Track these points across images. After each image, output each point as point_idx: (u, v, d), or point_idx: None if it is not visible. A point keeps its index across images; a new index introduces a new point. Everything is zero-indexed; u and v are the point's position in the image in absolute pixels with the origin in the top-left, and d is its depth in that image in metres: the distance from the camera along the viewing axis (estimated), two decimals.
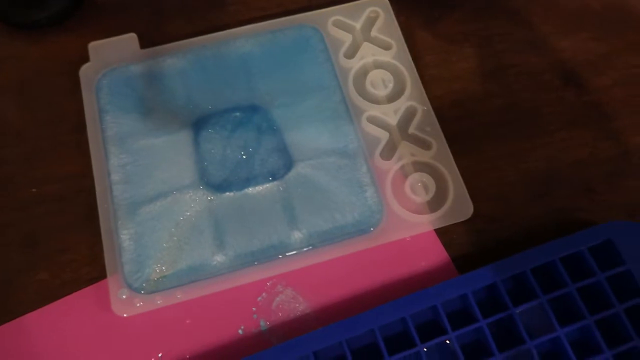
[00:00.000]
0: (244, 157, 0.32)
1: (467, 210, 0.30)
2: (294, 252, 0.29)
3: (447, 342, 0.27)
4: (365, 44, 0.34)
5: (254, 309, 0.29)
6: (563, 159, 0.33)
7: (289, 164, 0.31)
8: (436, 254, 0.30)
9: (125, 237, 0.29)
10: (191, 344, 0.28)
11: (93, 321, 0.28)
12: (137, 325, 0.28)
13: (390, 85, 0.33)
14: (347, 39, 0.35)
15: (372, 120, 0.33)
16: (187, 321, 0.28)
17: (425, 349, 0.26)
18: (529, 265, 0.28)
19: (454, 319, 0.27)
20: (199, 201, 0.30)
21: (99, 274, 0.29)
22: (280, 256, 0.29)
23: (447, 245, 0.30)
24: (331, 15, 0.35)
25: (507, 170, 0.32)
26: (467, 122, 0.33)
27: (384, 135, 0.32)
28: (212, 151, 0.32)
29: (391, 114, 0.33)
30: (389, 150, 0.32)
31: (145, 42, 0.34)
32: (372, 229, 0.30)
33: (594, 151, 0.33)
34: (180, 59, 0.33)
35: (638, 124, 0.33)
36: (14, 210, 0.31)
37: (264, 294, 0.29)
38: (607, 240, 0.29)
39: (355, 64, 0.34)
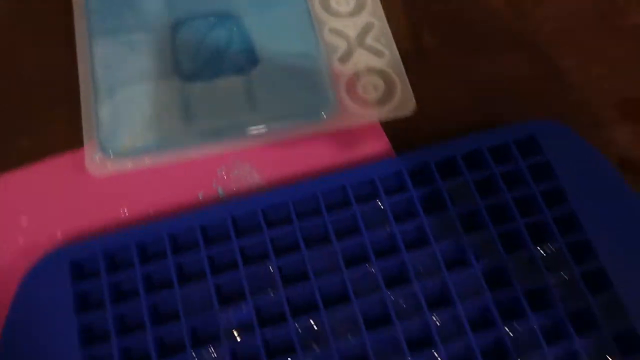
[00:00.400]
0: (216, 54, 0.35)
1: (411, 107, 0.34)
2: (254, 132, 0.32)
3: (381, 207, 0.30)
4: None
5: (213, 179, 0.32)
6: (504, 74, 0.36)
7: (255, 61, 0.34)
8: (380, 143, 0.33)
9: (103, 112, 0.32)
10: (154, 203, 0.31)
11: (69, 181, 0.31)
12: (107, 185, 0.31)
13: (352, 3, 0.37)
14: None
15: (334, 31, 0.36)
16: (153, 184, 0.31)
17: (360, 211, 0.30)
18: (459, 151, 0.32)
19: (390, 191, 0.31)
20: (172, 87, 0.33)
21: (77, 143, 0.32)
22: (240, 135, 0.32)
23: (390, 136, 0.34)
24: None
25: (452, 81, 0.36)
26: (420, 39, 0.37)
27: (342, 44, 0.36)
28: (187, 47, 0.35)
29: (351, 26, 0.36)
30: (346, 57, 0.35)
31: None
32: (324, 117, 0.33)
33: (531, 71, 0.37)
34: None
35: (568, 50, 0.37)
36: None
37: (223, 167, 0.32)
38: (531, 137, 0.32)
39: None
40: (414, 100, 0.34)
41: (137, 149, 0.32)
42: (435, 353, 0.27)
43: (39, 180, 0.32)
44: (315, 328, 0.27)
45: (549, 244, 0.29)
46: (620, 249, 0.29)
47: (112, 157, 0.31)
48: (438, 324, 0.27)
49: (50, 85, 0.34)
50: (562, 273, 0.29)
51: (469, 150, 0.32)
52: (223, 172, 0.32)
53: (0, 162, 0.32)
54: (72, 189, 0.31)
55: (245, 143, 0.33)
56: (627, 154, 0.34)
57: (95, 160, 0.31)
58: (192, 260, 0.28)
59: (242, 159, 0.33)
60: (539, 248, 0.29)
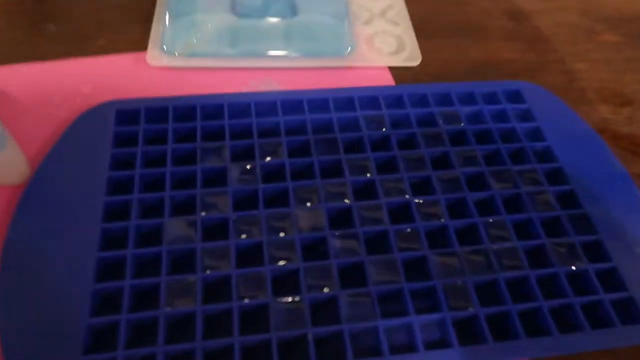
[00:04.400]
0: (265, 3, 0.40)
1: (417, 59, 0.37)
2: (285, 58, 0.36)
3: (381, 116, 0.32)
4: None
5: (244, 87, 0.35)
6: (499, 55, 0.40)
7: (295, 13, 0.39)
8: (388, 84, 0.36)
9: (169, 28, 0.37)
10: (194, 90, 0.34)
11: (130, 68, 0.35)
12: (160, 75, 0.35)
13: None
14: None
15: (360, 5, 0.41)
16: (195, 81, 0.35)
17: (362, 115, 0.32)
18: (454, 90, 0.34)
19: (390, 106, 0.33)
20: (227, 19, 0.38)
21: (143, 48, 0.37)
22: (274, 60, 0.36)
23: (396, 80, 0.37)
24: None
25: (454, 54, 0.39)
26: (431, 22, 0.41)
27: (366, 14, 0.40)
28: None
29: (375, 4, 0.41)
30: (368, 22, 0.40)
31: None
32: (345, 55, 0.37)
33: (522, 56, 0.40)
34: None
35: (557, 47, 0.41)
36: None
37: (254, 80, 0.36)
38: (517, 91, 0.35)
39: None
40: (420, 56, 0.37)
41: (189, 54, 0.35)
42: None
43: (106, 64, 0.35)
44: (311, 186, 0.29)
45: (526, 165, 0.31)
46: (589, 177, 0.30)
47: (168, 54, 0.35)
48: (419, 201, 0.28)
49: (133, 5, 0.39)
50: (532, 183, 0.30)
51: (463, 91, 0.34)
52: (254, 83, 0.35)
53: (81, 54, 0.36)
54: (131, 73, 0.35)
55: (277, 65, 0.36)
56: (604, 126, 0.36)
57: (154, 55, 0.35)
58: (216, 127, 0.31)
59: (271, 77, 0.36)
60: (515, 166, 0.31)
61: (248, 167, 0.29)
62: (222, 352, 0.23)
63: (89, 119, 0.30)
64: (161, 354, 0.22)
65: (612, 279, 0.26)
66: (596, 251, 0.28)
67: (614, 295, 0.26)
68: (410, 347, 0.24)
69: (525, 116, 0.34)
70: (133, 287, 0.24)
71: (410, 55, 0.37)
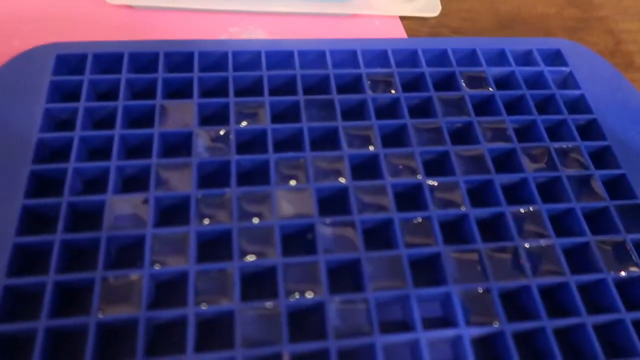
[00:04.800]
0: None
1: (436, 9, 0.31)
2: (275, 0, 0.30)
3: (390, 75, 0.26)
4: None
5: (223, 35, 0.29)
6: (532, 9, 0.33)
7: None
8: (399, 37, 0.30)
9: None
10: (160, 37, 0.28)
11: (84, 5, 0.29)
12: (118, 16, 0.29)
13: None
14: None
15: None
16: (161, 25, 0.29)
17: (367, 74, 0.26)
18: (480, 45, 0.28)
19: (401, 65, 0.27)
20: None
21: None
22: (264, 5, 0.30)
23: (409, 33, 0.31)
24: None
25: (483, 5, 0.33)
26: None
27: None
28: None
29: None
30: None
31: None
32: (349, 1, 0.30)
33: (560, 11, 0.34)
34: None
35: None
36: None
37: (236, 27, 0.30)
38: (556, 51, 0.29)
39: None
40: (439, 5, 0.31)
41: None
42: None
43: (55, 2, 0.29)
44: (297, 160, 0.23)
45: (567, 142, 0.25)
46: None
47: None
48: (434, 183, 0.23)
49: None
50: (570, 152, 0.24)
51: (492, 48, 0.28)
52: (235, 31, 0.29)
53: None
54: (83, 12, 0.29)
55: (264, 10, 0.30)
56: None
57: None
58: (182, 81, 0.25)
59: (257, 24, 0.30)
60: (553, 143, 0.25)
61: (221, 133, 0.23)
62: None
63: (20, 65, 0.24)
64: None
65: None
66: None
67: None
68: None
69: (567, 82, 0.28)
70: (59, 282, 0.19)
71: (428, 4, 0.31)
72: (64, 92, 0.24)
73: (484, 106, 0.26)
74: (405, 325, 0.20)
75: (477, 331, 0.19)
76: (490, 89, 0.26)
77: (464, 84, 0.26)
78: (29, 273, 0.19)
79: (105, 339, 0.19)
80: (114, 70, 0.25)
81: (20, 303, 0.19)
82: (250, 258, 0.20)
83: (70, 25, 0.28)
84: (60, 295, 0.19)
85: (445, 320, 0.20)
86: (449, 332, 0.19)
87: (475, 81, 0.27)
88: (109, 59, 0.25)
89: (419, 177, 0.23)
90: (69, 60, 0.25)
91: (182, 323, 0.19)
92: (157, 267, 0.19)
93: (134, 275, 0.19)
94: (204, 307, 0.18)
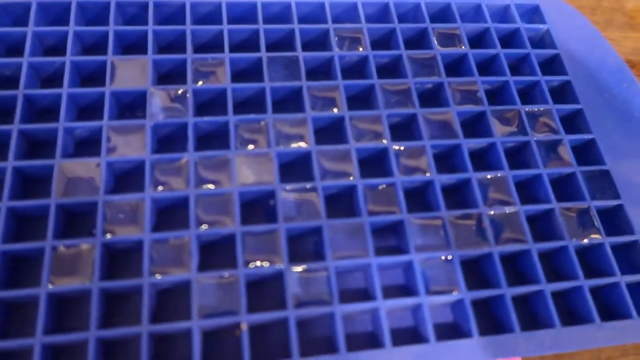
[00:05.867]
0: None
1: None
2: None
3: (361, 32, 0.26)
4: None
5: None
6: None
7: None
8: None
9: None
10: None
11: None
12: None
13: None
14: None
15: None
16: None
17: (334, 29, 0.26)
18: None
19: (372, 25, 0.27)
20: None
21: None
22: None
23: None
24: None
25: None
26: None
27: None
28: None
29: None
30: None
31: None
32: None
33: None
34: None
35: None
36: None
37: None
38: (535, 7, 0.28)
39: None
40: None
41: None
42: None
43: None
44: (258, 122, 0.23)
45: (538, 105, 0.25)
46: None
47: None
48: (399, 148, 0.23)
49: None
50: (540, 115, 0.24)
51: (468, 2, 0.28)
52: None
53: None
54: None
55: None
56: (636, 58, 0.31)
57: None
58: (135, 35, 0.24)
59: None
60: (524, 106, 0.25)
61: (178, 92, 0.23)
62: (128, 342, 0.18)
63: None
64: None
65: (634, 256, 0.22)
66: (615, 219, 0.23)
67: (633, 278, 0.21)
68: (375, 341, 0.20)
69: (544, 40, 0.28)
70: (6, 252, 0.19)
71: None
72: (7, 45, 0.23)
73: (455, 66, 0.26)
74: (366, 294, 0.21)
75: (436, 300, 0.20)
76: (463, 47, 0.26)
77: (436, 42, 0.26)
78: None
79: (58, 310, 0.19)
80: (62, 21, 0.24)
81: None
82: (207, 227, 0.20)
83: None
84: (9, 265, 0.19)
85: (407, 289, 0.21)
86: (408, 301, 0.20)
87: (449, 39, 0.26)
88: (55, 9, 0.24)
89: (385, 141, 0.23)
90: (12, 10, 0.24)
91: (137, 293, 0.19)
92: (109, 237, 0.19)
93: (86, 245, 0.19)
94: (158, 277, 0.19)
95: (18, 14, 0.24)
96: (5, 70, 0.22)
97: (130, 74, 0.23)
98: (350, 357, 0.18)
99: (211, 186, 0.21)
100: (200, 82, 0.23)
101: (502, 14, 0.28)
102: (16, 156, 0.20)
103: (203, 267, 0.20)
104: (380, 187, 0.22)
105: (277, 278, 0.20)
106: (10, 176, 0.20)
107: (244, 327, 0.18)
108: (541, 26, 0.28)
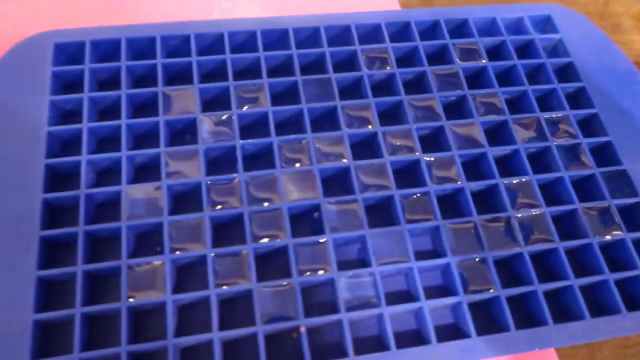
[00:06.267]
0: None
1: None
2: None
3: (384, 50, 0.28)
4: None
5: (215, 10, 0.30)
6: None
7: None
8: (391, 8, 0.32)
9: None
10: (150, 15, 0.29)
11: None
12: None
13: None
14: None
15: None
16: (157, 2, 0.30)
17: (362, 50, 0.28)
18: (472, 15, 0.30)
19: (395, 39, 0.29)
20: None
21: None
22: None
23: (402, 3, 0.32)
24: None
25: None
26: None
27: None
28: None
29: None
30: None
31: None
32: None
33: None
34: None
35: None
36: None
37: (229, 2, 0.31)
38: (547, 17, 0.30)
39: None
40: None
41: None
42: None
43: None
44: (300, 142, 0.25)
45: (557, 112, 0.27)
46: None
47: None
48: (431, 159, 0.25)
49: None
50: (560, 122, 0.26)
51: (483, 17, 0.30)
52: (227, 6, 0.30)
53: None
54: None
55: None
56: None
57: None
58: (180, 66, 0.26)
59: None
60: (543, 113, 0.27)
61: (223, 117, 0.25)
62: (199, 347, 0.21)
63: (19, 55, 0.26)
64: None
65: None
66: (635, 216, 0.25)
67: None
68: (420, 338, 0.22)
69: (557, 49, 0.30)
70: (87, 271, 0.21)
71: None
72: (65, 82, 0.26)
73: (476, 78, 0.28)
74: (409, 296, 0.23)
75: (474, 298, 0.22)
76: (482, 60, 0.28)
77: (456, 57, 0.28)
78: (58, 265, 0.21)
79: (136, 322, 0.21)
80: (112, 56, 0.26)
81: (54, 292, 0.21)
82: (263, 240, 0.22)
83: (61, 8, 0.29)
84: (89, 284, 0.21)
85: (445, 289, 0.23)
86: (449, 300, 0.22)
87: (468, 53, 0.28)
88: (106, 45, 0.26)
89: (417, 154, 0.25)
90: (67, 49, 0.26)
91: (205, 303, 0.21)
92: (177, 253, 0.21)
93: (156, 262, 0.21)
94: (225, 288, 0.21)
95: (71, 52, 0.26)
96: (66, 105, 0.25)
97: (179, 102, 0.25)
98: (400, 354, 0.21)
99: (265, 204, 0.23)
100: (246, 107, 0.25)
101: (516, 26, 0.30)
102: (86, 184, 0.23)
103: (261, 277, 0.22)
104: (414, 196, 0.24)
105: (328, 284, 0.22)
106: (83, 203, 0.22)
107: (303, 329, 0.21)
108: (554, 35, 0.30)
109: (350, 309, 0.21)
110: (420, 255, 0.23)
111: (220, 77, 0.26)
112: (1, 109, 0.24)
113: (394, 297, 0.23)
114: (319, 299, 0.22)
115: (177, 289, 0.21)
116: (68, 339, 0.20)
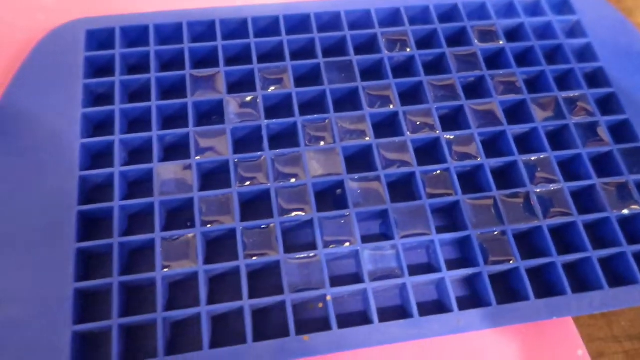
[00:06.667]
0: None
1: None
2: None
3: (404, 33, 0.29)
4: None
5: None
6: None
7: None
8: None
9: None
10: (178, 3, 0.30)
11: None
12: None
13: None
14: None
15: None
16: None
17: (382, 33, 0.29)
18: None
19: (414, 22, 0.30)
20: None
21: None
22: None
23: None
24: None
25: None
26: None
27: None
28: None
29: None
30: None
31: None
32: None
33: None
34: None
35: None
36: None
37: None
38: None
39: None
40: None
41: None
42: None
43: None
44: (323, 121, 0.26)
45: (574, 91, 0.28)
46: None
47: None
48: (451, 137, 0.26)
49: None
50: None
51: (499, 0, 0.30)
52: None
53: None
54: None
55: None
56: None
57: None
58: (206, 50, 0.28)
59: None
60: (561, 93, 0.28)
61: (248, 99, 0.26)
62: (230, 315, 0.22)
63: (54, 42, 0.27)
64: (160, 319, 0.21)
65: None
66: None
67: None
68: (442, 307, 0.23)
69: (575, 30, 0.30)
70: (123, 243, 0.22)
71: None
72: (97, 67, 0.27)
73: (495, 59, 0.29)
74: (430, 267, 0.24)
75: (494, 269, 0.23)
76: (500, 42, 0.29)
77: (475, 39, 0.29)
78: (96, 238, 0.22)
79: (170, 291, 0.22)
80: (141, 41, 0.28)
81: (92, 264, 0.23)
82: (290, 215, 0.23)
83: None
84: (125, 255, 0.22)
85: (466, 261, 0.24)
86: (469, 271, 0.23)
87: (486, 35, 0.29)
88: (135, 32, 0.28)
89: (437, 132, 0.26)
90: (98, 35, 0.27)
91: (235, 274, 0.22)
92: (208, 227, 0.23)
93: (188, 234, 0.22)
94: (254, 259, 0.22)
95: (102, 38, 0.28)
96: (99, 89, 0.26)
97: (206, 84, 0.26)
98: (423, 321, 0.22)
99: (293, 180, 0.24)
100: (273, 88, 0.26)
101: (534, 8, 0.31)
102: (119, 163, 0.24)
103: (288, 249, 0.23)
104: (435, 173, 0.25)
105: (352, 256, 0.23)
106: (117, 180, 0.23)
107: (329, 298, 0.22)
108: (571, 17, 0.30)
109: (374, 280, 0.22)
110: (441, 230, 0.24)
111: (244, 61, 0.28)
112: (38, 93, 0.26)
113: (416, 269, 0.24)
114: (343, 270, 0.23)
115: (208, 261, 0.23)
116: (107, 307, 0.21)
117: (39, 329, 0.20)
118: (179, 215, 0.24)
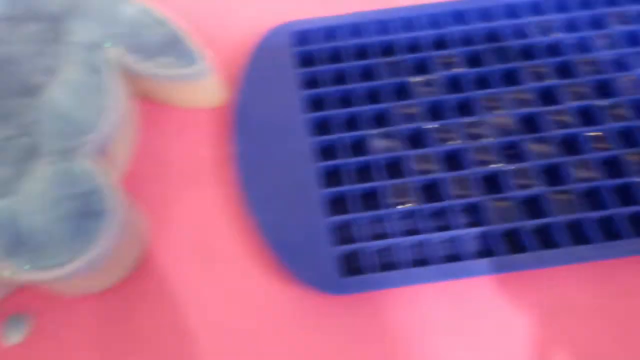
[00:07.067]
0: None
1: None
2: None
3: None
4: None
5: None
6: None
7: None
8: None
9: None
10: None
11: None
12: None
13: None
14: None
15: None
16: None
17: (530, 22, 0.35)
18: None
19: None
20: None
21: None
22: None
23: None
24: None
25: None
26: None
27: None
28: None
29: None
30: None
31: None
32: None
33: None
34: None
35: None
36: None
37: None
38: None
39: None
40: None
41: None
42: None
43: None
44: (496, 94, 0.32)
45: None
46: None
47: None
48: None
49: None
50: None
51: None
52: None
53: None
54: None
55: None
56: None
57: None
58: (387, 42, 0.34)
59: None
60: None
61: (428, 79, 0.32)
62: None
63: (271, 42, 0.34)
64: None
65: None
66: None
67: None
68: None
69: None
70: (353, 191, 0.29)
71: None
72: (306, 60, 0.34)
73: None
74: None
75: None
76: None
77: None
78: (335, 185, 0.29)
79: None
80: (337, 38, 0.34)
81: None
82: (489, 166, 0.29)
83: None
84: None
85: None
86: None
87: None
88: (330, 31, 0.35)
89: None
90: (303, 35, 0.34)
91: (443, 211, 0.28)
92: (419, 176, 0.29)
93: (407, 182, 0.29)
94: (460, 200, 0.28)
95: (312, 38, 0.35)
96: (308, 77, 0.33)
97: (391, 70, 0.33)
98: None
99: (482, 140, 0.30)
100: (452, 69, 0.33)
101: None
102: (339, 132, 0.31)
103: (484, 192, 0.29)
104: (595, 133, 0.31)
105: (538, 199, 0.29)
106: (340, 145, 0.30)
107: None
108: None
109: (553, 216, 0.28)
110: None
111: (420, 50, 0.34)
112: (266, 81, 0.33)
113: None
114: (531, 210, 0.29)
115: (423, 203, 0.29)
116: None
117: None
118: (395, 169, 0.30)
